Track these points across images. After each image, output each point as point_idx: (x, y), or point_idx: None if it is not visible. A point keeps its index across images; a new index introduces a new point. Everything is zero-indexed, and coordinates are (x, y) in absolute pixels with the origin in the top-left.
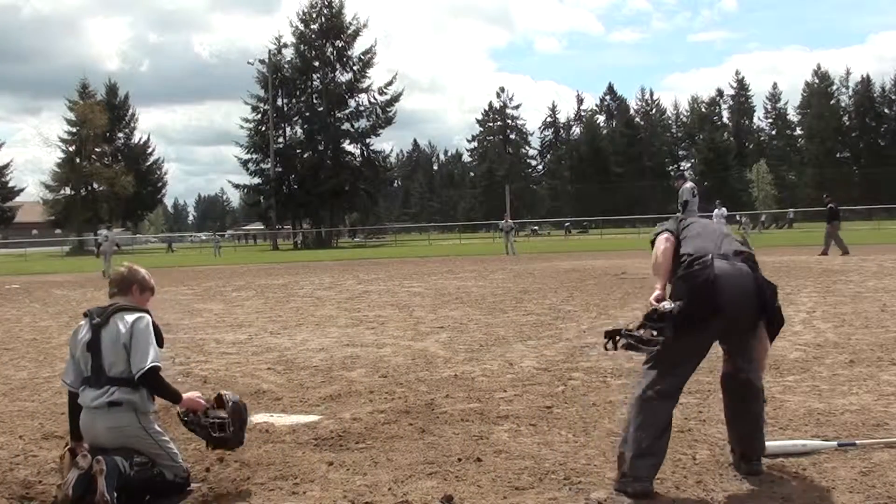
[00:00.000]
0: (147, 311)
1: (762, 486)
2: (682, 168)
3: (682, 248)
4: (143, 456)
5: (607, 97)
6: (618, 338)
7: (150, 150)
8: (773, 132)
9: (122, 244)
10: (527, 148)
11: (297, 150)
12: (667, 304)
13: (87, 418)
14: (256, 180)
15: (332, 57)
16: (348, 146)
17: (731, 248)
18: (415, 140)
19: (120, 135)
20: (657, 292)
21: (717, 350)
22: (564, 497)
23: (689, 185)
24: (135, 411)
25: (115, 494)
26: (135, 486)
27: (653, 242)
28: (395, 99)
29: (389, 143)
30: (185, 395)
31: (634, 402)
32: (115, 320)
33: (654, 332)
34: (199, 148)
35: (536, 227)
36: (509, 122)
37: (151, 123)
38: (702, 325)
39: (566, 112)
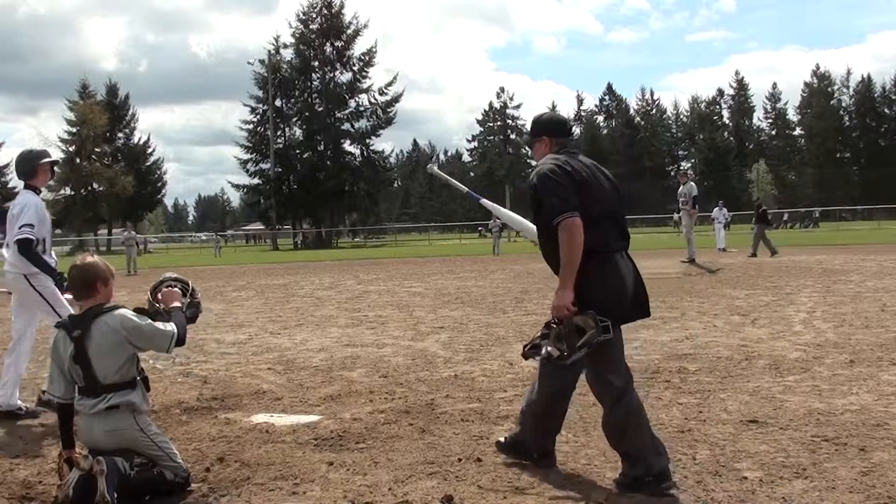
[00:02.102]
0: (121, 306)
1: (762, 486)
2: (683, 167)
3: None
4: (142, 457)
5: (606, 97)
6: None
7: (150, 150)
8: (773, 132)
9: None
10: (527, 148)
11: (297, 151)
12: (590, 324)
13: (85, 423)
14: (256, 181)
15: (331, 57)
16: (348, 146)
17: (623, 232)
18: (415, 140)
19: (120, 135)
20: (570, 296)
21: (719, 351)
22: (564, 497)
23: (693, 183)
24: (132, 412)
25: (116, 495)
26: (135, 487)
27: (553, 216)
28: (396, 99)
29: (389, 144)
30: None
31: (545, 400)
32: (96, 329)
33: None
34: (198, 148)
35: None
36: (509, 122)
37: (150, 123)
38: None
39: (565, 112)
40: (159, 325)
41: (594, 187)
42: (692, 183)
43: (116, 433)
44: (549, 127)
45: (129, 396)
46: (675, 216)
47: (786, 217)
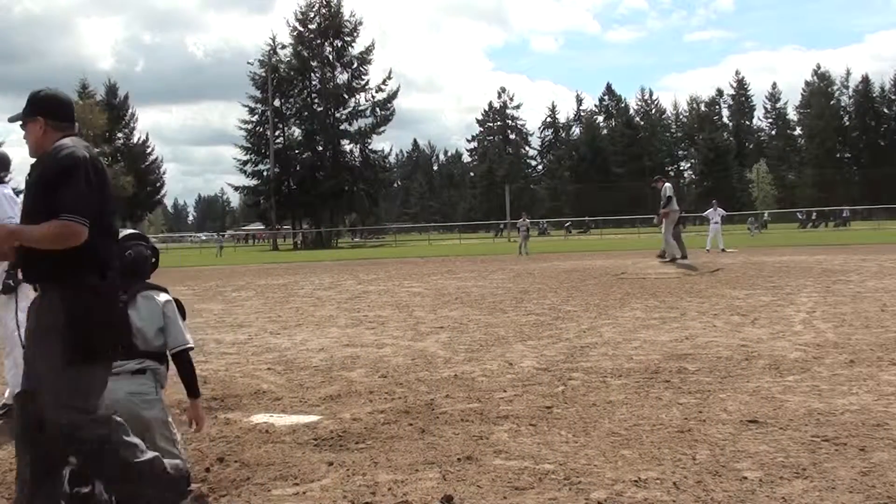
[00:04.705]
0: (166, 290)
1: (762, 486)
2: (680, 168)
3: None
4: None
5: (606, 97)
6: None
7: (149, 150)
8: (773, 132)
9: None
10: (526, 148)
11: (296, 151)
12: None
13: (109, 384)
14: (255, 181)
15: (330, 56)
16: (347, 146)
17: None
18: (414, 140)
19: (119, 135)
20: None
21: (719, 351)
22: (564, 497)
23: (668, 184)
24: (156, 380)
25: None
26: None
27: (72, 210)
28: (393, 96)
29: (388, 143)
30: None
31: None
32: (142, 300)
33: None
34: (196, 148)
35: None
36: (509, 122)
37: (147, 123)
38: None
39: (564, 112)
40: (186, 329)
41: (112, 197)
42: (667, 184)
43: (137, 395)
44: (48, 107)
45: (158, 366)
46: (656, 220)
47: (814, 216)
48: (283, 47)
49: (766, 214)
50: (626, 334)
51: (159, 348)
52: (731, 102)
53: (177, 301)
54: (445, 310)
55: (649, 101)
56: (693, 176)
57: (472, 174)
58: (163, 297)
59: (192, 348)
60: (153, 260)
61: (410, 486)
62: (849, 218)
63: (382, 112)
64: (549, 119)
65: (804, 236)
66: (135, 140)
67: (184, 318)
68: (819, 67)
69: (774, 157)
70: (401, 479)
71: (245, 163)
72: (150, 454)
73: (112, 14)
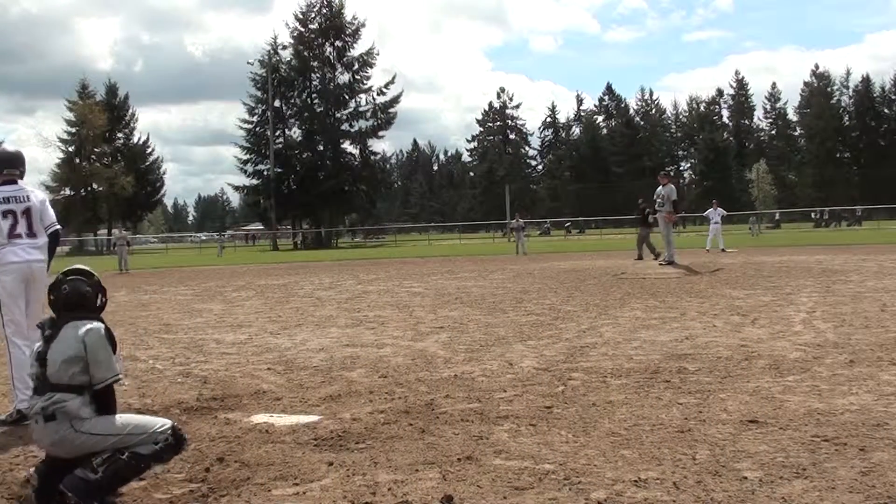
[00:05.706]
0: (100, 319)
1: (762, 486)
2: (680, 168)
3: None
4: (102, 454)
5: (606, 97)
6: None
7: (149, 150)
8: (773, 132)
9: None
10: (526, 148)
11: (296, 151)
12: None
13: (36, 434)
14: (255, 181)
15: (331, 57)
16: (348, 147)
17: None
18: (414, 140)
19: (119, 135)
20: None
21: (719, 351)
22: (564, 497)
23: (672, 186)
24: (69, 420)
25: (97, 502)
26: (115, 480)
27: None
28: (395, 100)
29: (388, 144)
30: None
31: None
32: (64, 332)
33: None
34: (196, 148)
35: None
36: (509, 122)
37: (146, 123)
38: None
39: (564, 112)
40: (113, 359)
41: None
42: (672, 185)
43: (63, 443)
44: None
45: (67, 402)
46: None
47: (826, 215)
48: (284, 48)
49: (777, 215)
50: (626, 334)
51: (70, 380)
52: (731, 102)
53: (108, 330)
54: (445, 310)
55: (649, 101)
56: (693, 176)
57: (472, 174)
58: (85, 327)
59: (117, 379)
60: (103, 298)
61: (410, 486)
62: (861, 217)
63: (384, 115)
64: (549, 119)
65: (804, 236)
66: (135, 140)
67: (114, 349)
68: (818, 67)
69: (774, 157)
70: (401, 479)
71: (245, 162)
72: None
73: (110, 14)
